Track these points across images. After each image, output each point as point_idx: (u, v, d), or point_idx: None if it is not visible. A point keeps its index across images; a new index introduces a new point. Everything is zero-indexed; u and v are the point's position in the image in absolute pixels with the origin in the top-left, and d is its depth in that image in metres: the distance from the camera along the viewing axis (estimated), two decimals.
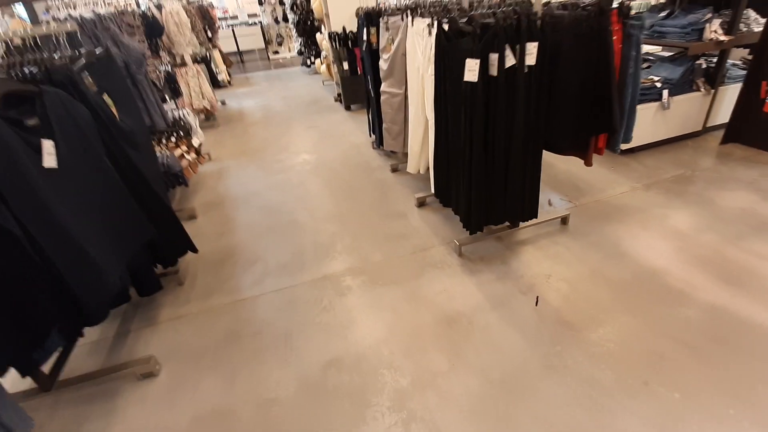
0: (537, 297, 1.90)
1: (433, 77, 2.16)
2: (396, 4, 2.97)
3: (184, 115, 3.36)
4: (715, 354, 1.54)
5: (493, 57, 1.56)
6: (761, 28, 2.86)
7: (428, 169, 2.57)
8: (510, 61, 1.56)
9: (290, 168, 3.63)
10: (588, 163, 1.94)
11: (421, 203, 2.79)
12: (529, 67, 1.59)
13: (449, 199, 2.19)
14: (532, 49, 1.57)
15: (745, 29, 2.95)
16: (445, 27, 1.80)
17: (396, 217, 2.69)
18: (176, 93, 3.88)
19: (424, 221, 2.61)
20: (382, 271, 2.19)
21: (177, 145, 3.03)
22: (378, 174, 3.35)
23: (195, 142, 3.28)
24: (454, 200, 2.10)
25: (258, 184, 3.38)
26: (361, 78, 4.80)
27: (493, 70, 1.58)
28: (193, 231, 2.73)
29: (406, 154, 3.27)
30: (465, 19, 1.69)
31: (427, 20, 2.16)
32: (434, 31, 2.04)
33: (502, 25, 1.50)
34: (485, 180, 1.81)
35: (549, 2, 1.91)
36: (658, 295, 1.85)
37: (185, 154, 3.02)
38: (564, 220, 2.41)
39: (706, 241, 2.16)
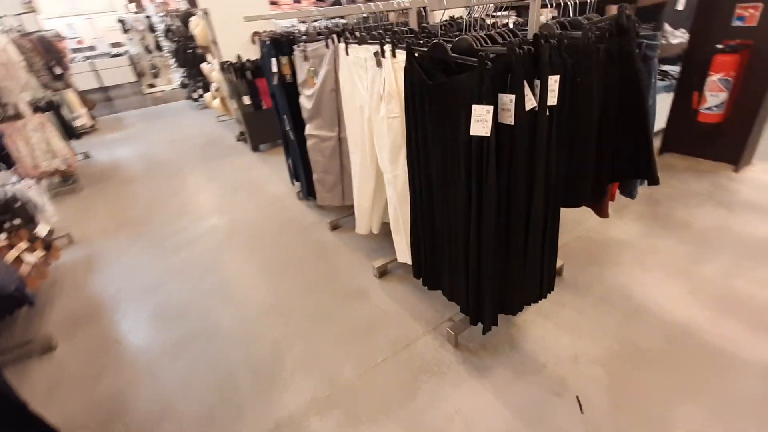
0: (578, 399, 1.44)
1: (391, 121, 1.61)
2: (313, 28, 2.38)
3: (20, 192, 2.32)
4: None
5: (507, 99, 1.06)
6: (678, 40, 2.91)
7: (387, 226, 2.01)
8: (530, 102, 1.08)
9: (195, 241, 2.77)
10: (605, 214, 1.56)
11: (383, 272, 2.20)
12: (550, 107, 1.13)
13: (439, 283, 1.64)
14: (554, 84, 1.11)
15: (664, 42, 2.98)
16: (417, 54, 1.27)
17: (355, 298, 2.06)
18: (6, 162, 2.76)
19: (392, 298, 2.02)
20: (361, 396, 1.54)
21: (9, 243, 2.01)
22: (315, 234, 2.68)
23: (42, 229, 2.27)
24: (449, 286, 1.56)
25: (149, 274, 2.47)
26: (268, 112, 4.10)
27: (508, 117, 1.07)
28: (52, 376, 1.77)
29: (348, 207, 2.67)
30: (448, 45, 1.18)
31: (372, 48, 1.61)
32: (390, 62, 1.51)
33: (519, 54, 1.01)
34: (501, 263, 1.30)
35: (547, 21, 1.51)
36: (706, 363, 1.52)
37: (25, 255, 2.02)
38: (559, 272, 2.03)
39: (710, 275, 1.93)
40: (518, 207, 1.21)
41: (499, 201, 1.19)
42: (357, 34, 1.87)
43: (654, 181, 1.31)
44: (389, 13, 3.42)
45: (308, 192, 2.91)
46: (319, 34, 2.24)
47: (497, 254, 1.28)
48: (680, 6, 3.85)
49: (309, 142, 2.47)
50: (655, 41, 1.31)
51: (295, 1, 6.08)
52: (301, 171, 2.85)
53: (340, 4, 5.29)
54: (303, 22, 3.97)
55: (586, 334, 1.69)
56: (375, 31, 1.77)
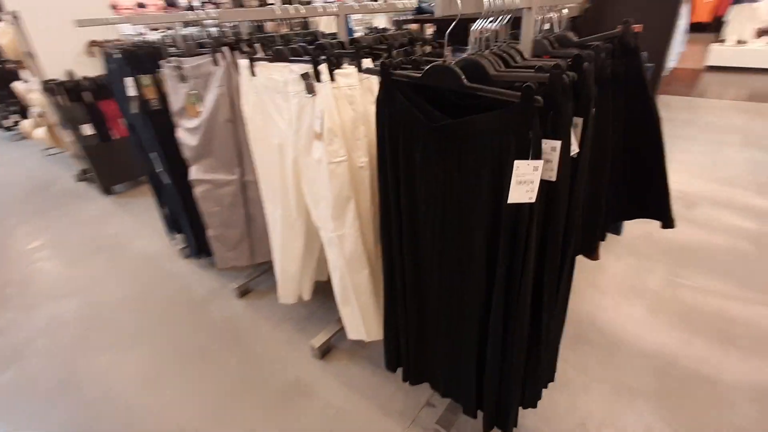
0: None
1: (335, 167, 1.17)
2: (188, 36, 1.75)
3: None
4: None
5: (549, 147, 0.73)
6: None
7: (321, 286, 1.53)
8: (574, 147, 0.77)
9: (26, 347, 1.86)
10: (597, 257, 1.36)
11: (325, 351, 1.71)
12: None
13: (427, 376, 1.24)
14: (578, 121, 0.82)
15: None
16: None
17: (296, 397, 1.54)
18: None
19: (348, 387, 1.55)
20: None
21: None
22: (219, 306, 2.03)
23: None
24: (446, 382, 1.17)
25: None
26: (123, 143, 3.17)
27: (549, 171, 0.74)
28: None
29: (258, 266, 2.10)
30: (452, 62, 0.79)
31: (295, 67, 1.15)
32: (329, 88, 1.06)
33: (566, 84, 0.69)
34: (522, 352, 0.96)
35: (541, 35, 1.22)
36: (699, 395, 1.44)
37: None
38: None
39: (658, 290, 1.94)
40: (551, 283, 0.89)
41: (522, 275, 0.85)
42: (258, 46, 1.37)
43: (670, 224, 1.14)
44: (267, 23, 2.92)
45: (198, 249, 2.23)
46: (201, 45, 1.64)
47: (523, 343, 0.94)
48: None
49: (198, 189, 1.84)
50: (648, 64, 1.15)
51: (138, 6, 5.13)
52: (186, 223, 2.16)
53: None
54: (156, 29, 3.17)
55: (579, 388, 1.49)
56: (292, 44, 1.30)
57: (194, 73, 1.58)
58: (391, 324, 1.17)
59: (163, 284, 2.23)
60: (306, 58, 1.16)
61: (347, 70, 1.12)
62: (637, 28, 1.13)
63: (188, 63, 1.57)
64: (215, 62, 1.52)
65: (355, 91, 1.14)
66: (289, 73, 1.21)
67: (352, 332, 1.53)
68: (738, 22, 5.56)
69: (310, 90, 1.14)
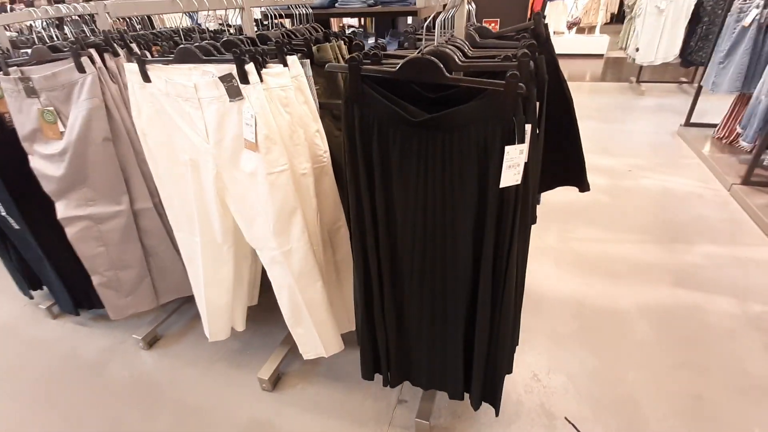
0: (568, 420, 1.36)
1: (275, 177, 1.05)
2: (35, 33, 1.33)
3: None
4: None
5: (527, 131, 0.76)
6: None
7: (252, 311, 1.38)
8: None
9: None
10: (534, 222, 1.50)
11: (275, 381, 1.55)
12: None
13: (407, 375, 1.21)
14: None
15: None
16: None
17: None
18: None
19: (313, 411, 1.44)
20: None
21: None
22: (122, 368, 1.66)
23: None
24: (428, 375, 1.16)
25: None
26: None
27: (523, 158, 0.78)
28: None
29: (164, 306, 1.81)
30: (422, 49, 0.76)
31: (204, 69, 0.99)
32: (260, 90, 0.94)
33: (532, 71, 0.73)
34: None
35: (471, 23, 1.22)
36: (606, 325, 1.73)
37: None
38: None
39: (555, 245, 2.25)
40: (522, 254, 0.95)
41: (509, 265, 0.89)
42: (144, 44, 1.14)
43: (586, 187, 1.32)
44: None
45: (75, 302, 1.80)
46: (54, 49, 1.27)
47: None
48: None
49: (72, 229, 1.47)
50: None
51: None
52: (50, 273, 1.71)
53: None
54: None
55: (525, 345, 1.65)
56: (197, 41, 1.11)
57: (48, 85, 1.24)
58: (367, 335, 1.11)
59: (36, 356, 1.73)
60: (225, 57, 1.00)
61: (277, 70, 1.00)
62: (494, 22, 1.26)
63: (38, 72, 1.22)
64: (80, 69, 1.21)
65: (288, 92, 1.03)
66: (201, 75, 1.03)
67: (308, 352, 1.42)
68: (554, 16, 6.74)
69: (234, 94, 0.99)
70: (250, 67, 0.95)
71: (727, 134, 3.17)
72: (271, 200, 1.09)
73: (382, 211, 0.86)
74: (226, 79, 0.97)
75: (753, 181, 2.55)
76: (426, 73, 0.71)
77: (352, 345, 1.37)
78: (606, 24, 7.26)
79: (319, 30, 1.38)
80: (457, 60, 0.75)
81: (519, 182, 0.75)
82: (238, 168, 1.10)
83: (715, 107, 3.62)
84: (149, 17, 2.65)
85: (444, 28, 0.95)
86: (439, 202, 0.80)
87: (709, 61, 3.15)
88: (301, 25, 1.50)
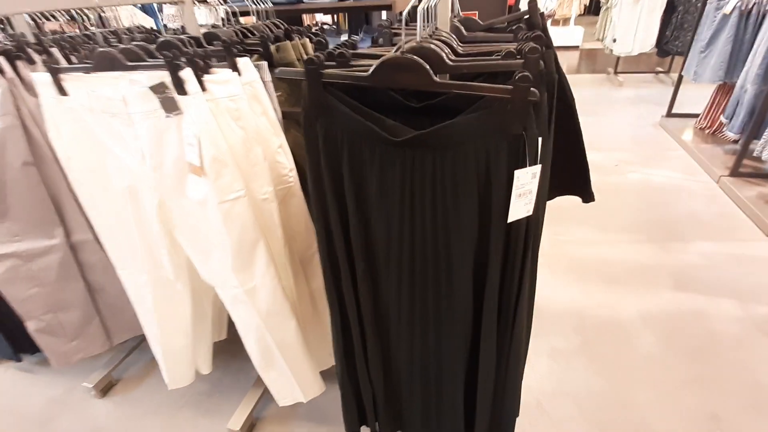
0: None
1: (230, 206, 0.86)
2: None
3: None
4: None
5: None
6: None
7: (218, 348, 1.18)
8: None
9: None
10: None
11: (250, 428, 1.36)
12: None
13: (397, 422, 1.04)
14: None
15: None
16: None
17: None
18: None
19: None
20: None
21: None
22: (73, 422, 1.44)
23: None
24: (423, 419, 0.99)
25: None
26: None
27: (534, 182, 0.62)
28: None
29: (120, 346, 1.60)
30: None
31: (147, 75, 0.80)
32: (202, 101, 0.76)
33: (543, 72, 0.57)
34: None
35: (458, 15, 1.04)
36: (609, 338, 1.61)
37: None
38: None
39: (547, 248, 2.12)
40: (531, 283, 0.80)
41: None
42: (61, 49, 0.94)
43: (591, 197, 1.17)
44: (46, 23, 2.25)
45: (17, 347, 1.57)
46: None
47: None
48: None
49: None
50: None
51: None
52: None
53: None
54: None
55: (526, 367, 1.51)
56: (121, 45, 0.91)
57: None
58: (349, 386, 0.94)
59: None
60: (157, 61, 0.81)
61: (224, 76, 0.82)
62: (472, 15, 1.11)
63: None
64: None
65: (239, 103, 0.85)
66: (129, 85, 0.84)
67: (284, 398, 1.24)
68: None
69: (170, 108, 0.80)
70: (186, 74, 0.76)
71: (709, 124, 3.12)
72: (226, 232, 0.91)
73: (359, 251, 0.69)
74: (157, 89, 0.78)
75: (741, 172, 2.49)
76: (408, 77, 0.54)
77: (336, 380, 1.20)
78: (580, 15, 7.25)
79: (281, 26, 1.19)
80: (445, 59, 0.58)
81: (530, 213, 0.59)
82: (184, 196, 0.91)
83: (694, 97, 3.58)
84: (100, 17, 2.40)
85: (425, 21, 0.78)
86: (429, 240, 0.64)
87: (689, 51, 3.09)
88: (260, 22, 1.31)
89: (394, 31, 0.95)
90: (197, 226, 0.95)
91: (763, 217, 2.16)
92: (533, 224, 0.61)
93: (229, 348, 1.51)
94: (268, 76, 0.96)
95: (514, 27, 0.86)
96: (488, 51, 0.66)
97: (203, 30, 1.26)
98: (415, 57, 0.53)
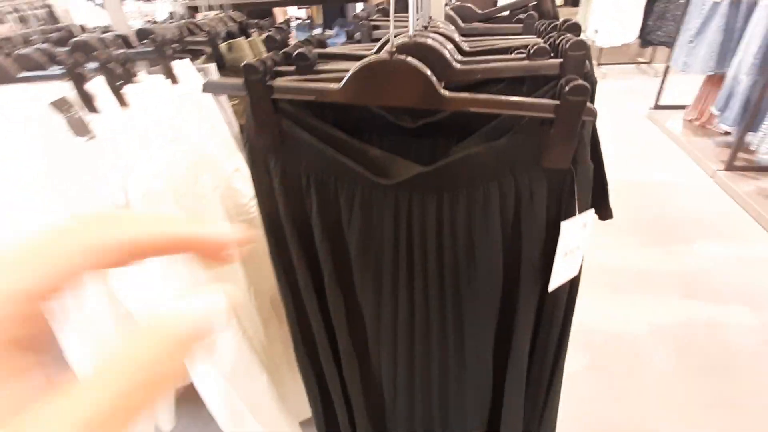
0: None
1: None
2: None
3: None
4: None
5: None
6: None
7: None
8: None
9: None
10: None
11: None
12: None
13: None
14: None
15: None
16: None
17: None
18: None
19: None
20: None
21: None
22: None
23: None
24: None
25: None
26: None
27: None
28: None
29: None
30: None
31: (47, 89, 0.60)
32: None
33: (586, 66, 0.40)
34: None
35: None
36: (620, 356, 1.48)
37: None
38: None
39: None
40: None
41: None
42: None
43: (609, 214, 1.02)
44: None
45: None
46: None
47: None
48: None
49: None
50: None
51: None
52: None
53: None
54: None
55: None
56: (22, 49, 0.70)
57: None
58: None
59: None
60: (57, 70, 0.61)
61: (152, 85, 0.62)
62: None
63: None
64: None
65: (176, 120, 0.65)
66: (29, 102, 0.63)
67: None
68: (505, 2, 6.53)
69: (80, 130, 0.60)
70: (96, 86, 0.56)
71: (698, 116, 3.04)
72: (171, 286, 0.72)
73: (340, 325, 0.51)
74: (60, 106, 0.58)
75: (737, 166, 2.40)
76: (399, 90, 0.36)
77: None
78: (560, 6, 7.17)
79: (235, 20, 0.99)
80: (451, 60, 0.41)
81: (576, 273, 0.43)
82: None
83: (680, 87, 3.50)
84: (51, 12, 2.13)
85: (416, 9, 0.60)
86: (434, 313, 0.46)
87: (676, 41, 3.00)
88: (211, 14, 1.11)
89: (374, 23, 0.76)
90: (134, 273, 0.76)
91: (764, 213, 2.07)
92: (576, 284, 0.44)
93: (195, 397, 1.32)
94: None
95: (523, 16, 0.69)
96: (503, 47, 0.48)
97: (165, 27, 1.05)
98: (410, 59, 0.36)
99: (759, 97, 2.15)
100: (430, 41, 0.41)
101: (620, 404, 1.32)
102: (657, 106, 3.44)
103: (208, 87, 0.44)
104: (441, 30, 0.49)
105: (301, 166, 0.40)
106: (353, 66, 0.40)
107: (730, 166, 2.41)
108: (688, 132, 3.03)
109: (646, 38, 4.41)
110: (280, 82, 0.39)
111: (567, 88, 0.33)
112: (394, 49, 0.34)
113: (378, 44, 0.46)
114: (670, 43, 3.36)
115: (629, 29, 4.30)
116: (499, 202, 0.39)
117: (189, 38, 0.84)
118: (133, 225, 0.17)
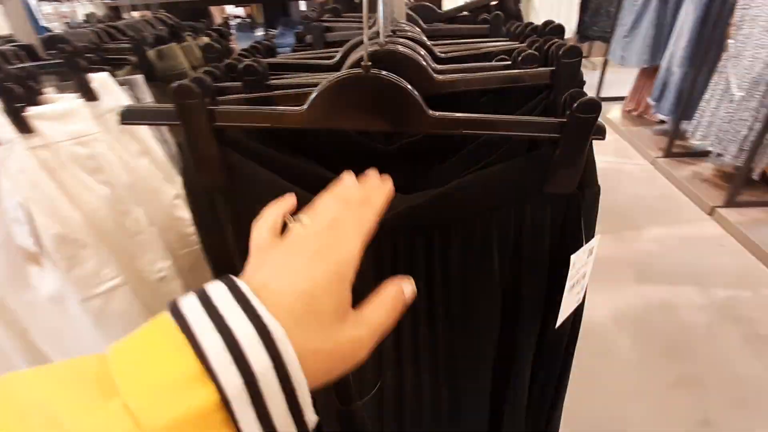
0: None
1: (101, 299, 0.57)
2: None
3: None
4: None
5: None
6: None
7: None
8: None
9: None
10: None
11: None
12: None
13: None
14: None
15: None
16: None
17: None
18: None
19: None
20: None
21: None
22: None
23: None
24: None
25: None
26: None
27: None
28: None
29: None
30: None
31: None
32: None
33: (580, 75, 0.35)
34: None
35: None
36: (589, 347, 1.51)
37: None
38: None
39: None
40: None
41: None
42: None
43: None
44: None
45: None
46: None
47: None
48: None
49: None
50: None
51: None
52: None
53: None
54: None
55: None
56: None
57: None
58: None
59: None
60: None
61: (62, 106, 0.51)
62: None
63: None
64: None
65: (95, 146, 0.54)
66: None
67: None
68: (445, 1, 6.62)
69: None
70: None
71: (636, 107, 3.22)
72: (104, 338, 0.60)
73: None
74: None
75: (674, 152, 2.56)
76: (381, 113, 0.30)
77: None
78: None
79: (165, 23, 0.87)
80: (430, 71, 0.35)
81: (581, 301, 0.38)
82: (27, 290, 0.59)
83: (617, 79, 3.70)
84: None
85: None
86: (425, 356, 0.40)
87: (613, 36, 3.15)
88: (136, 15, 0.97)
89: (326, 24, 0.69)
90: (60, 329, 0.64)
91: (701, 195, 2.21)
92: (581, 313, 0.40)
93: None
94: (147, 96, 0.66)
95: (489, 17, 0.64)
96: (481, 53, 0.43)
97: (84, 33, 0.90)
98: (389, 75, 0.29)
99: (691, 88, 2.29)
100: (403, 48, 0.35)
101: (587, 390, 1.34)
102: (598, 98, 3.61)
103: (128, 116, 0.34)
104: (410, 34, 0.43)
105: (258, 207, 0.33)
106: (315, 80, 0.33)
107: (668, 153, 2.57)
108: (628, 122, 3.20)
109: (583, 34, 4.62)
110: (224, 107, 0.31)
111: (576, 105, 0.28)
112: (369, 63, 0.28)
113: (340, 52, 0.39)
114: (605, 38, 3.53)
115: (568, 25, 4.50)
116: (497, 237, 0.34)
117: (110, 45, 0.72)
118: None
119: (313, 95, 0.30)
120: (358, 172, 0.38)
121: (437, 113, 0.30)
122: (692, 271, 1.83)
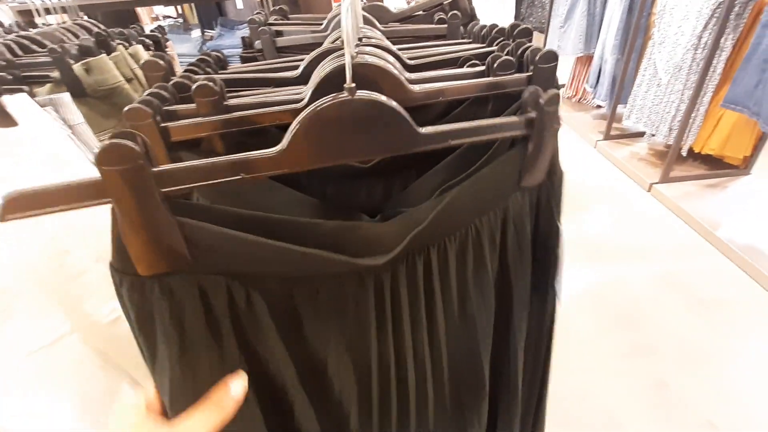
0: None
1: (43, 353, 0.49)
2: None
3: None
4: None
5: None
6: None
7: None
8: None
9: None
10: None
11: None
12: None
13: None
14: None
15: None
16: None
17: None
18: None
19: None
20: None
21: None
22: None
23: None
24: None
25: None
26: None
27: None
28: None
29: None
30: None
31: None
32: None
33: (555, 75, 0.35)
34: None
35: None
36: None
37: None
38: None
39: None
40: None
41: None
42: None
43: None
44: None
45: None
46: None
47: None
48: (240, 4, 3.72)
49: None
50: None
51: None
52: None
53: None
54: None
55: None
56: None
57: None
58: None
59: None
60: None
61: None
62: None
63: None
64: None
65: (14, 179, 0.47)
66: None
67: None
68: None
69: None
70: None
71: (575, 93, 3.40)
72: (55, 392, 0.53)
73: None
74: None
75: (613, 135, 2.73)
76: (374, 140, 0.26)
77: None
78: None
79: (89, 30, 0.77)
80: (405, 83, 0.32)
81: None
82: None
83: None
84: None
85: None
86: (419, 380, 0.37)
87: (549, 26, 3.29)
88: (51, 20, 0.86)
89: (275, 28, 0.64)
90: (3, 385, 0.55)
91: (640, 174, 2.38)
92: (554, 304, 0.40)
93: None
94: (77, 116, 0.58)
95: (446, 17, 0.63)
96: (449, 58, 0.41)
97: None
98: (382, 99, 0.25)
99: (623, 74, 2.45)
100: (374, 59, 0.32)
101: (555, 372, 1.40)
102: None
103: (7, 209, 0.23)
104: (374, 41, 0.40)
105: (226, 277, 0.27)
106: (281, 96, 0.29)
107: (607, 136, 2.73)
108: (568, 108, 3.37)
109: None
110: (172, 168, 0.24)
111: (543, 100, 0.28)
112: (353, 84, 0.24)
113: (303, 63, 0.35)
114: (541, 29, 3.68)
115: (505, 17, 4.64)
116: (488, 241, 0.32)
117: (24, 59, 0.62)
118: None
119: (291, 132, 0.25)
120: (336, 192, 0.35)
121: (426, 129, 0.28)
122: (636, 246, 1.96)
